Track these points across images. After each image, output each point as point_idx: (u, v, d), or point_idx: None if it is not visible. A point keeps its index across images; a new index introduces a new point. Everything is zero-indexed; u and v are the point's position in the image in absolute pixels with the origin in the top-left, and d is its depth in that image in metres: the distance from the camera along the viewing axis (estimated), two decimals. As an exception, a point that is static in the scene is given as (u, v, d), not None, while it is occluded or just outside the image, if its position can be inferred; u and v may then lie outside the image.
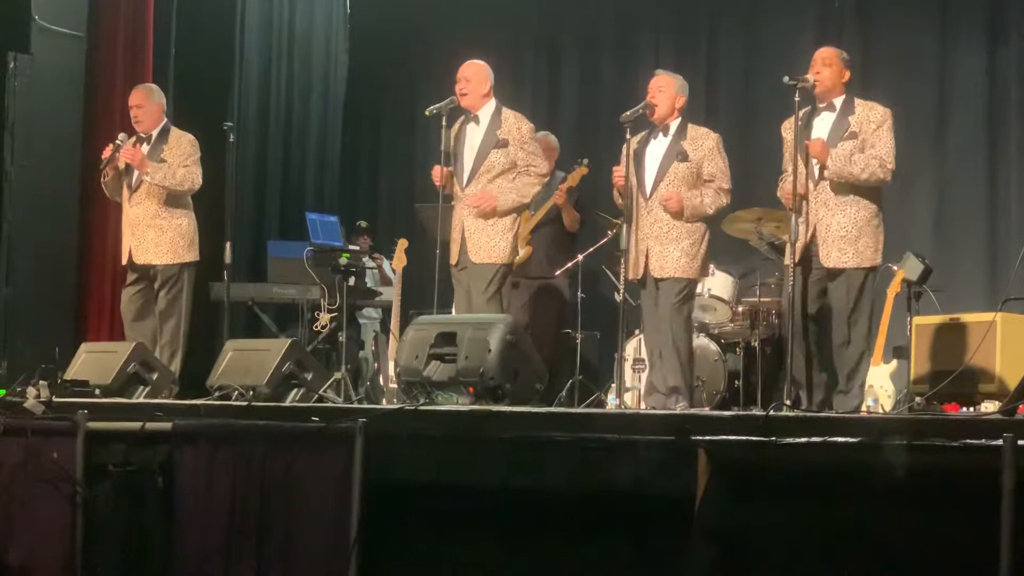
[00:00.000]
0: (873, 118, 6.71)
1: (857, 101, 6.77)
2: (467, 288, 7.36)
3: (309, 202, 11.71)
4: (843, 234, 6.63)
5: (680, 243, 6.99)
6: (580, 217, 8.65)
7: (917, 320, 7.78)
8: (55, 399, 6.39)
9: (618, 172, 7.09)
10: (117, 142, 8.01)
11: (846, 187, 6.66)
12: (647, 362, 7.57)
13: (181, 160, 7.99)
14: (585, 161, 8.61)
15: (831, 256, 6.64)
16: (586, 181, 8.59)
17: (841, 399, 6.64)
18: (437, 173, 7.43)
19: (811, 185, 6.68)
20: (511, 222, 7.37)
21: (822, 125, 6.75)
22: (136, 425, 5.97)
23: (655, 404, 6.97)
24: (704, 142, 7.08)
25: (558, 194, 8.45)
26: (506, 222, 7.34)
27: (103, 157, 8.05)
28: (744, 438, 4.80)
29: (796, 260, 6.61)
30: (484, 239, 7.31)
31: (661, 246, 6.99)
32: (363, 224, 11.12)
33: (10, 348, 9.18)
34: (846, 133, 6.68)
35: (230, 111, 11.00)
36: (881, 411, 7.62)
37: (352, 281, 8.99)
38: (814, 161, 6.69)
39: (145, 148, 8.04)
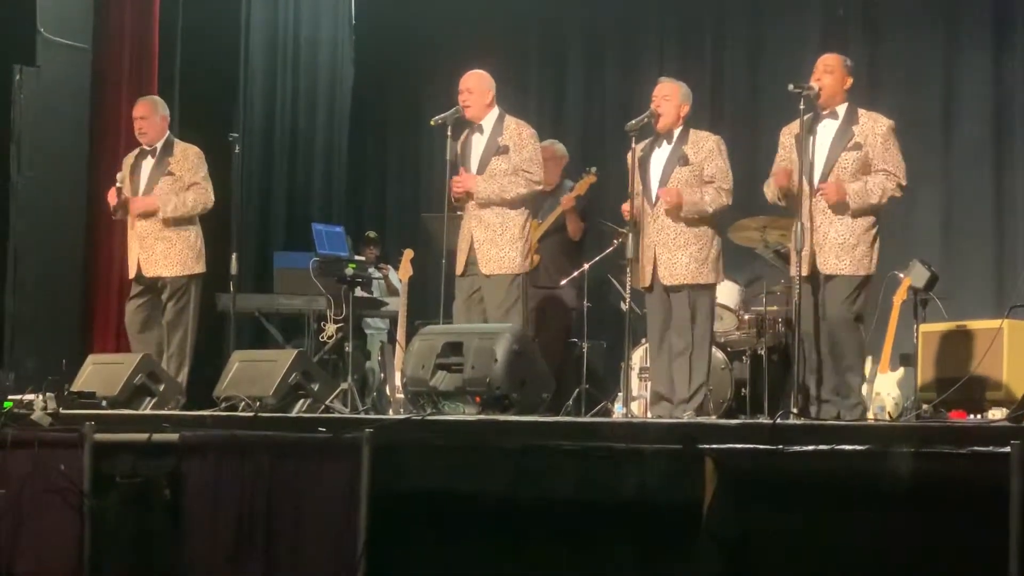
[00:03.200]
0: (879, 131, 6.68)
1: (860, 111, 6.75)
2: (468, 295, 7.34)
3: (315, 212, 11.72)
4: (840, 242, 6.62)
5: (688, 249, 6.98)
6: (584, 226, 8.65)
7: (924, 327, 7.78)
8: (62, 411, 6.40)
9: (627, 210, 7.08)
10: (118, 185, 8.03)
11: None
12: (652, 370, 7.55)
13: (190, 176, 7.99)
14: (593, 169, 8.60)
15: (828, 263, 6.63)
16: (592, 190, 8.59)
17: (845, 407, 6.62)
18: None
19: (809, 191, 6.67)
20: (520, 231, 7.35)
21: (824, 132, 6.72)
22: (143, 436, 5.98)
23: (661, 413, 6.96)
24: (704, 144, 7.08)
25: (566, 199, 8.45)
26: (515, 231, 7.33)
27: (110, 203, 8.05)
28: (751, 446, 4.80)
29: (801, 268, 6.60)
30: (494, 250, 7.29)
31: (669, 253, 6.98)
32: (371, 235, 11.13)
33: (16, 360, 9.18)
34: (850, 143, 6.66)
35: (236, 122, 11.01)
36: (888, 419, 7.61)
37: (358, 291, 8.99)
38: (817, 171, 6.67)
39: (150, 161, 8.06)
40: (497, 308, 7.23)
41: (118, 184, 8.04)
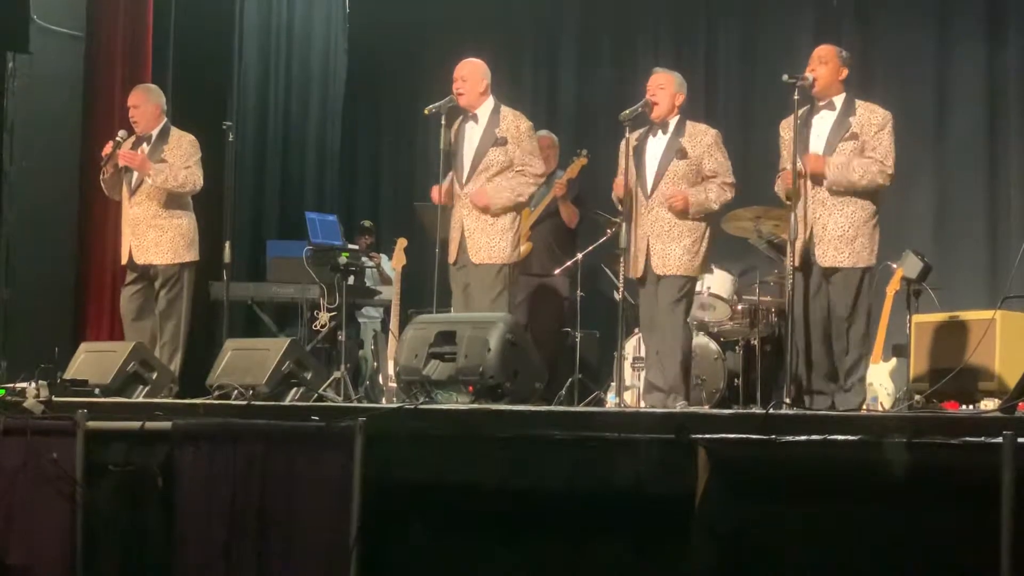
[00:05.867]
0: (874, 120, 6.69)
1: (858, 102, 6.75)
2: (464, 287, 7.35)
3: (308, 201, 11.70)
4: (840, 234, 6.63)
5: (682, 241, 6.98)
6: (579, 212, 8.64)
7: (916, 318, 7.78)
8: (55, 399, 6.38)
9: (619, 183, 7.08)
10: (117, 139, 8.01)
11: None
12: (646, 360, 7.57)
13: (183, 161, 7.98)
14: (584, 152, 8.60)
15: (827, 255, 6.64)
16: (585, 178, 8.59)
17: (840, 397, 6.64)
18: (435, 193, 7.43)
19: (809, 184, 6.68)
20: (511, 221, 7.35)
21: (821, 124, 6.74)
22: (136, 425, 5.97)
23: (654, 402, 6.97)
24: (702, 138, 7.08)
25: (558, 186, 8.45)
26: (505, 221, 7.33)
27: (103, 155, 8.04)
28: (744, 436, 4.80)
29: (795, 259, 6.60)
30: (484, 239, 7.29)
31: (662, 244, 6.99)
32: (366, 223, 11.13)
33: (10, 348, 9.17)
34: (847, 134, 6.67)
35: (229, 111, 10.99)
36: (881, 409, 7.62)
37: (351, 280, 8.98)
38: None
39: (145, 148, 8.04)
40: (484, 297, 7.24)
41: (118, 138, 7.99)
